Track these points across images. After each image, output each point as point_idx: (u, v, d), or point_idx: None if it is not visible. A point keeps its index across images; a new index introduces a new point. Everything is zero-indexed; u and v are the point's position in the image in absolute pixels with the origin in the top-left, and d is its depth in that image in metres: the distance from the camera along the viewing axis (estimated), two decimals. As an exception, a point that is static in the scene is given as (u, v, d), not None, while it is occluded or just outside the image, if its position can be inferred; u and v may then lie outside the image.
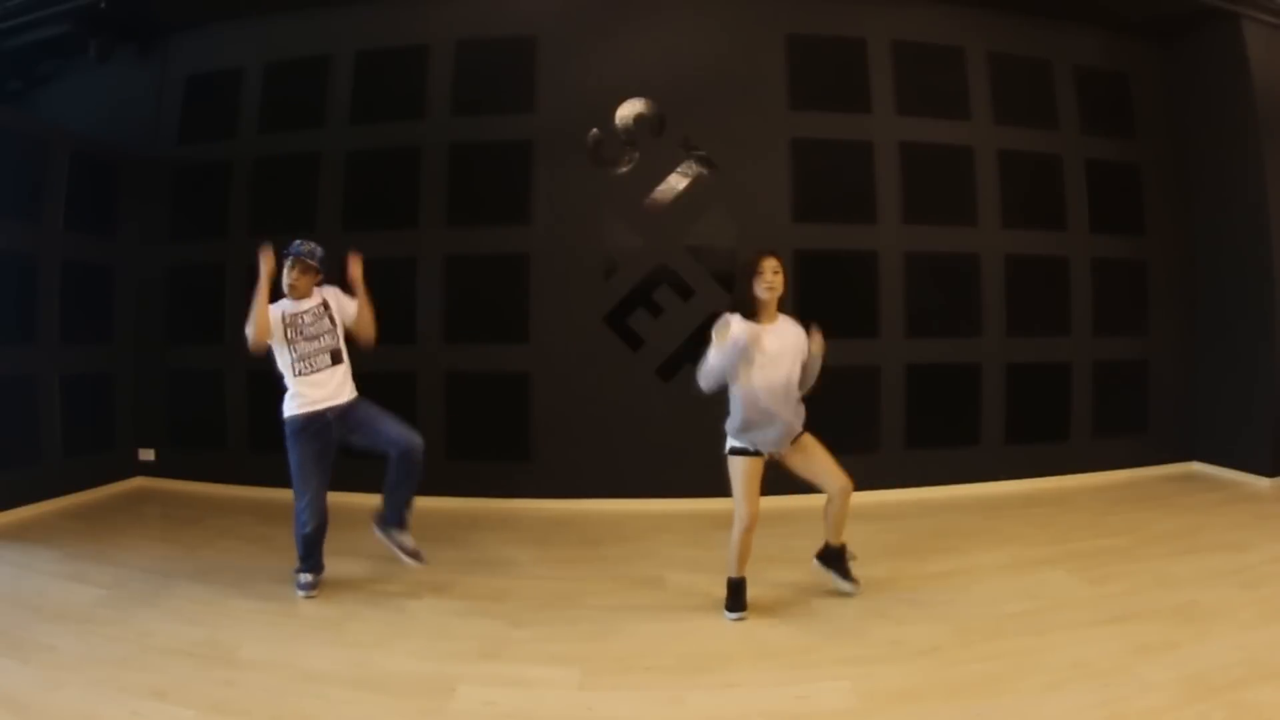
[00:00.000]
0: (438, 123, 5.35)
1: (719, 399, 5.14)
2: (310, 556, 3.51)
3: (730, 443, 3.17)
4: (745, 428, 3.11)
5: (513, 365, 5.16)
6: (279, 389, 3.48)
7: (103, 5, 5.23)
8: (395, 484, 3.50)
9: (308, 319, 3.45)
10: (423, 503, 5.01)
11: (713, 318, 5.09)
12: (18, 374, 4.82)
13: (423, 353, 5.28)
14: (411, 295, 5.27)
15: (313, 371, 3.42)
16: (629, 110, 5.22)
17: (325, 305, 3.52)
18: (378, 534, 3.54)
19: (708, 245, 5.21)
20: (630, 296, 5.19)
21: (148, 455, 5.71)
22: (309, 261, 3.44)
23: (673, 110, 5.20)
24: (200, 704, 2.43)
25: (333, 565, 3.85)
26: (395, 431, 3.47)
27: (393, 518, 3.53)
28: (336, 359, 3.49)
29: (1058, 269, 5.64)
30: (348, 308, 3.55)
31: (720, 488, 5.04)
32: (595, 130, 5.22)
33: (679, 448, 5.14)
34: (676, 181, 5.22)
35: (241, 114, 5.63)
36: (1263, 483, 5.30)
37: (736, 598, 3.17)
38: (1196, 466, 5.90)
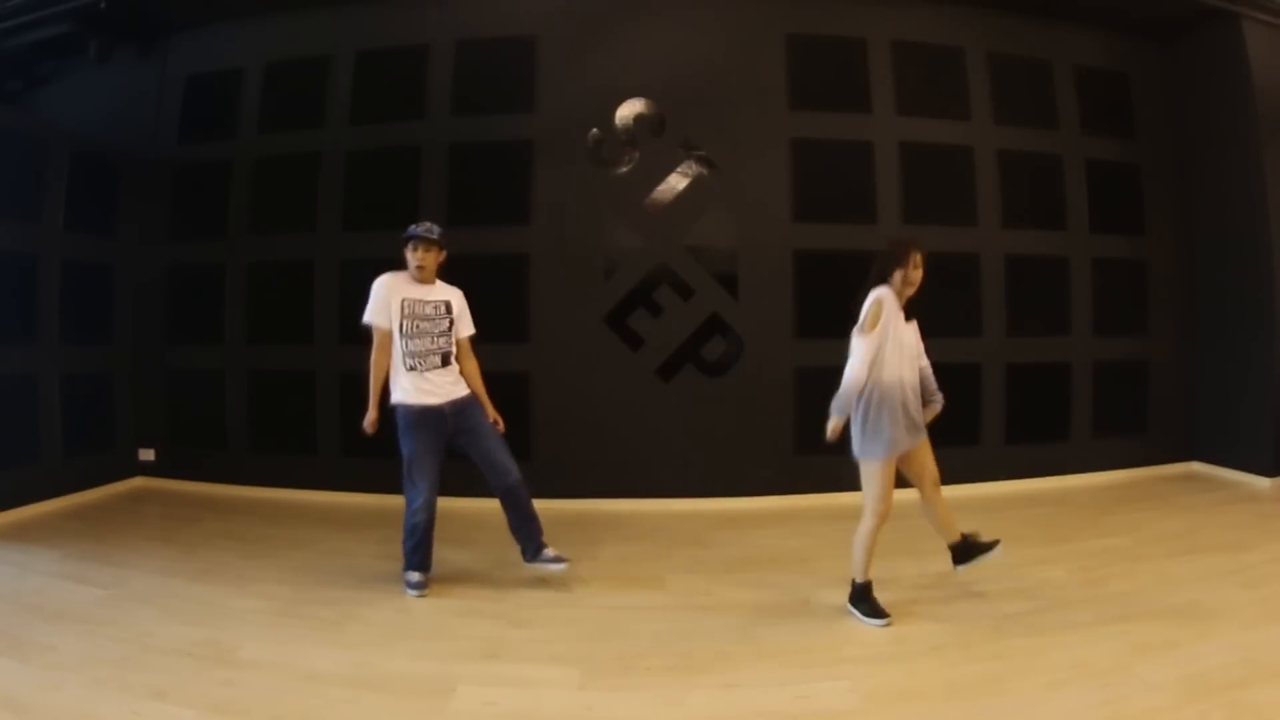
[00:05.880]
0: (438, 123, 5.35)
1: (717, 398, 5.17)
2: (419, 551, 3.45)
3: (869, 453, 3.04)
4: (888, 426, 3.02)
5: (513, 365, 5.15)
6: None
7: (103, 5, 5.23)
8: (516, 526, 3.54)
9: (428, 310, 3.42)
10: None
11: (713, 318, 5.17)
12: (18, 374, 4.81)
13: (423, 353, 5.28)
14: (411, 295, 5.27)
15: (424, 370, 3.38)
16: (629, 110, 5.22)
17: (448, 307, 3.49)
18: (527, 565, 3.57)
19: (708, 245, 5.21)
20: (630, 296, 5.19)
21: (148, 455, 5.71)
22: (430, 238, 3.40)
23: (673, 110, 5.20)
24: (200, 704, 2.43)
25: (331, 564, 3.85)
26: (500, 459, 3.47)
27: (532, 549, 3.54)
28: (446, 361, 3.46)
29: (1058, 269, 5.64)
30: (464, 322, 3.56)
31: (720, 488, 5.09)
32: (595, 130, 5.22)
33: (679, 448, 5.15)
34: (676, 181, 5.21)
35: (241, 114, 5.63)
36: (1263, 483, 5.30)
37: (874, 602, 3.11)
38: (1196, 466, 5.90)
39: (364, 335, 5.32)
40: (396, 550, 3.91)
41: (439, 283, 3.54)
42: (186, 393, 5.70)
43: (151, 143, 5.77)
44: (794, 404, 5.21)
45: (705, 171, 5.22)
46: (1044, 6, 5.62)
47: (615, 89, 5.22)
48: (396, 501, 5.22)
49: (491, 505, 3.65)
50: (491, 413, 3.58)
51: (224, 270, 5.58)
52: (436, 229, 3.46)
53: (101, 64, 5.62)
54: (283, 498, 5.28)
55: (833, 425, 3.02)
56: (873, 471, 3.06)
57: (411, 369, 3.37)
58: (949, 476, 3.34)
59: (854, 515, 3.52)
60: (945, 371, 3.37)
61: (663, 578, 3.68)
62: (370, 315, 3.39)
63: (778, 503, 5.07)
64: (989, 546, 3.27)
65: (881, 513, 3.06)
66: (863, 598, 3.12)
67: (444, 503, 4.86)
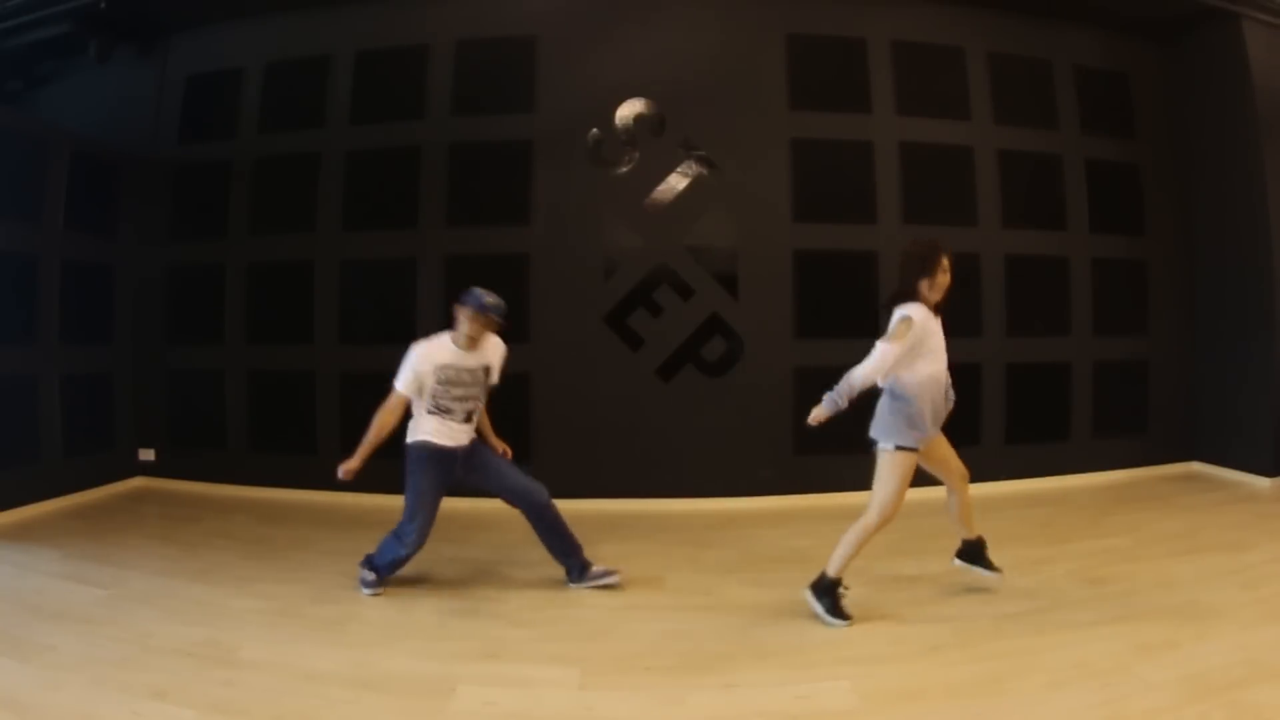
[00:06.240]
0: (438, 123, 5.35)
1: (717, 398, 5.17)
2: (390, 570, 3.47)
3: (897, 440, 3.00)
4: (920, 419, 2.99)
5: (513, 365, 5.13)
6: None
7: (103, 5, 5.23)
8: (556, 548, 3.48)
9: (466, 377, 3.34)
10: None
11: (713, 318, 5.16)
12: (18, 374, 4.81)
13: (423, 353, 5.28)
14: (412, 295, 5.27)
15: (446, 418, 3.34)
16: (629, 110, 5.22)
17: (486, 372, 3.41)
18: (574, 588, 3.50)
19: (708, 245, 5.21)
20: (630, 296, 5.19)
21: (148, 455, 5.71)
22: (497, 318, 3.29)
23: (673, 110, 5.20)
24: (200, 704, 2.43)
25: (331, 564, 3.85)
26: (522, 483, 3.44)
27: (576, 568, 3.50)
28: (469, 419, 3.41)
29: (1058, 269, 5.64)
30: (495, 372, 3.47)
31: (720, 488, 5.09)
32: (595, 130, 5.22)
33: (679, 448, 5.15)
34: (676, 181, 5.22)
35: (241, 114, 5.63)
36: (1263, 483, 5.30)
37: (838, 600, 3.06)
38: (1196, 466, 5.90)
39: (364, 337, 5.38)
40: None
41: (485, 340, 3.42)
42: (186, 393, 5.70)
43: (151, 143, 5.77)
44: (794, 404, 5.20)
45: (705, 171, 5.22)
46: (1044, 6, 5.62)
47: (615, 89, 5.22)
48: (396, 502, 5.22)
49: (491, 505, 3.64)
50: (499, 444, 3.57)
51: (224, 270, 5.58)
52: (503, 306, 3.31)
53: (101, 64, 5.62)
54: (283, 498, 5.28)
55: (818, 413, 2.96)
56: (896, 463, 3.01)
57: (433, 413, 3.33)
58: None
59: (854, 515, 3.52)
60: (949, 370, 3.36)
61: (663, 578, 3.68)
62: (400, 383, 3.28)
63: (778, 503, 5.07)
64: (991, 567, 3.33)
65: (888, 514, 3.04)
66: (828, 593, 3.06)
67: (443, 502, 4.85)
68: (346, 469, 3.30)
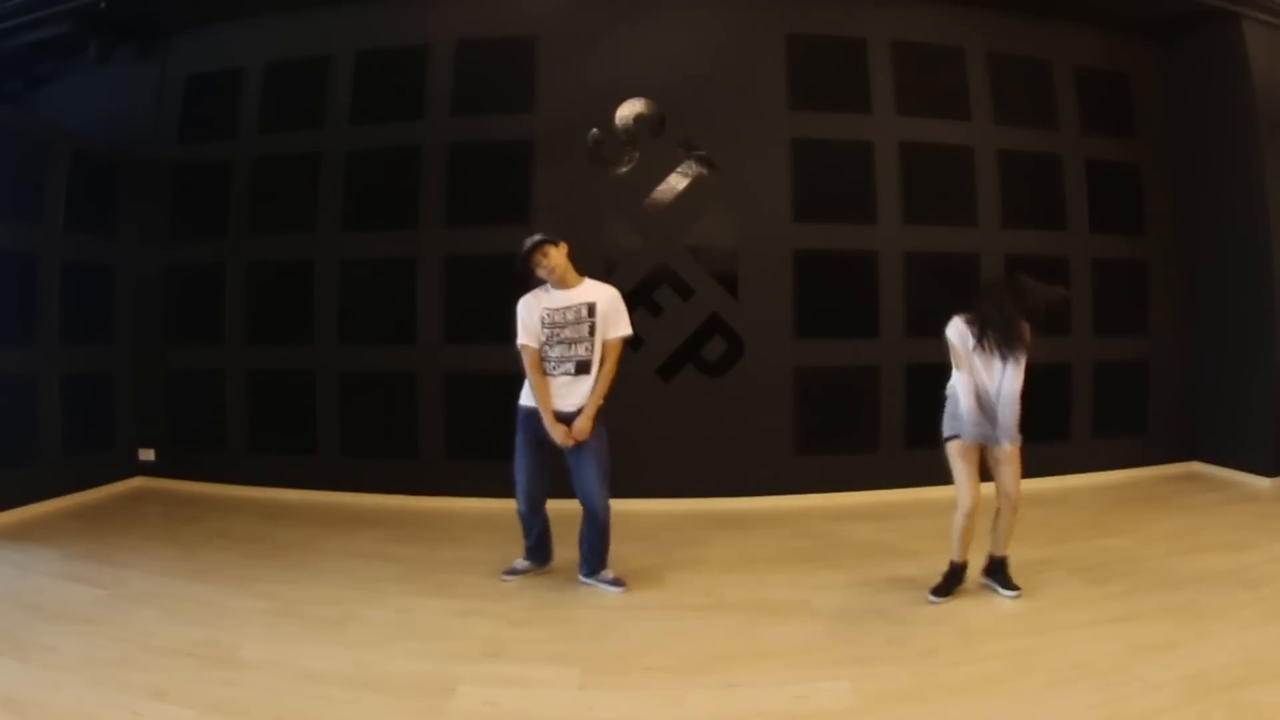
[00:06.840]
0: (438, 123, 5.34)
1: (717, 398, 5.17)
2: (526, 538, 3.58)
3: (945, 430, 3.30)
4: (963, 415, 3.23)
5: (512, 365, 5.16)
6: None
7: (103, 5, 5.22)
8: (586, 541, 3.51)
9: (569, 315, 3.34)
10: (424, 503, 5.05)
11: (713, 318, 5.16)
12: (18, 374, 4.81)
13: (423, 353, 5.28)
14: (411, 295, 5.27)
15: (555, 374, 3.34)
16: (629, 110, 5.22)
17: (591, 310, 3.35)
18: (581, 580, 3.55)
19: (708, 245, 5.21)
20: (630, 296, 5.14)
21: (148, 455, 5.71)
22: (536, 242, 3.30)
23: (673, 110, 5.20)
24: (200, 704, 2.43)
25: (331, 564, 3.85)
26: (590, 483, 3.39)
27: (590, 567, 3.54)
28: (582, 369, 3.35)
29: (1058, 269, 5.63)
30: (612, 322, 3.37)
31: (720, 488, 5.09)
32: (595, 130, 5.21)
33: (679, 448, 5.15)
34: (676, 181, 5.21)
35: (241, 114, 5.63)
36: (1263, 483, 5.29)
37: (949, 582, 3.30)
38: (1197, 466, 5.89)
39: (364, 337, 5.38)
40: (396, 550, 3.93)
41: (587, 282, 3.42)
42: (186, 393, 5.69)
43: (151, 143, 5.76)
44: (794, 404, 5.21)
45: (705, 171, 5.21)
46: (1044, 6, 5.61)
47: (615, 89, 5.22)
48: (397, 501, 5.24)
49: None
50: (582, 423, 3.33)
51: (224, 270, 5.58)
52: (538, 234, 3.36)
53: (101, 64, 5.61)
54: (283, 498, 5.28)
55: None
56: (951, 454, 3.28)
57: (545, 373, 3.37)
58: (950, 476, 3.34)
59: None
60: (946, 372, 3.37)
61: (663, 578, 3.67)
62: (521, 336, 3.36)
63: (778, 503, 5.06)
64: (1010, 586, 3.33)
65: (965, 505, 3.24)
66: (1001, 569, 3.33)
67: (441, 502, 4.85)
68: (561, 436, 3.30)
